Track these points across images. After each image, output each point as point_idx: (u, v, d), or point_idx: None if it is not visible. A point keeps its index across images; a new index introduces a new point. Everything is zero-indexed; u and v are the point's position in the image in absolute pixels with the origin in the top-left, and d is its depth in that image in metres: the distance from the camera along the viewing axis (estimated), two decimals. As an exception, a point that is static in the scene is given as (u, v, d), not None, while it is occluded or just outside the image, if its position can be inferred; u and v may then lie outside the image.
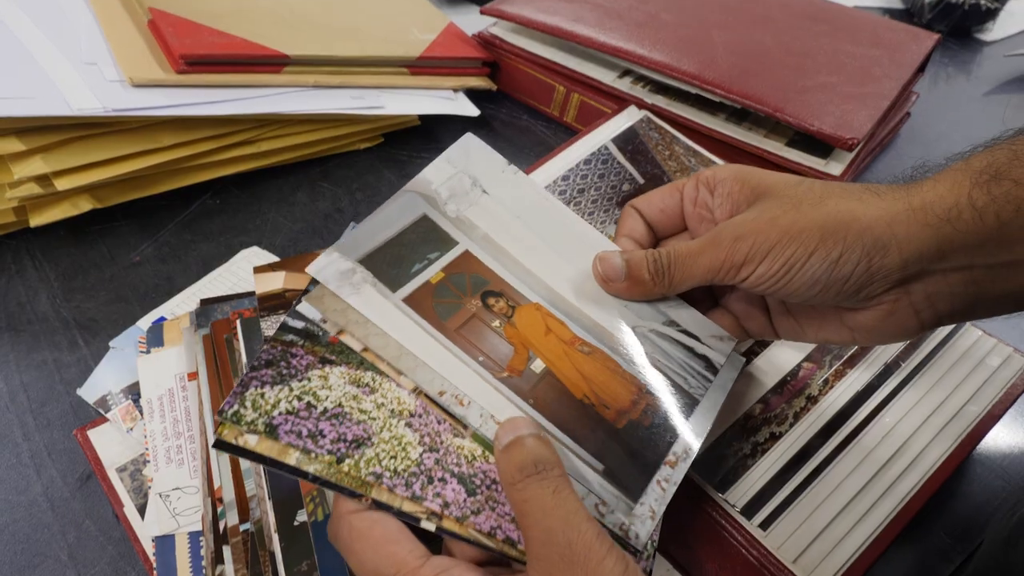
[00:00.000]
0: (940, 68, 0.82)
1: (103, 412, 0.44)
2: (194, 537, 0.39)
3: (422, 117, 0.64)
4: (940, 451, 0.42)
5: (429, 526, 0.31)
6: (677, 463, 0.34)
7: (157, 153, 0.51)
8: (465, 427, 0.34)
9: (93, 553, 0.39)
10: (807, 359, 0.45)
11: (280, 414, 0.32)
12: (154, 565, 0.38)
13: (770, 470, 0.41)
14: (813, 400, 0.43)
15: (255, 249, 0.53)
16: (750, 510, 0.39)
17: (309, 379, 0.33)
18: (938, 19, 0.82)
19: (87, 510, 0.41)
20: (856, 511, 0.40)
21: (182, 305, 0.49)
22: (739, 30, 0.64)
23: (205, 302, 0.46)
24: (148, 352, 0.45)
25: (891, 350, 0.46)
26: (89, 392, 0.45)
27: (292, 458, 0.31)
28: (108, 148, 0.49)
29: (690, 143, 0.56)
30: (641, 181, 0.53)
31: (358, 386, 0.34)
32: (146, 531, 0.39)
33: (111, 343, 0.47)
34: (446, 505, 0.31)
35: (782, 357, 0.45)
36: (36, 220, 0.49)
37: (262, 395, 0.32)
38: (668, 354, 0.38)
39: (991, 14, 0.83)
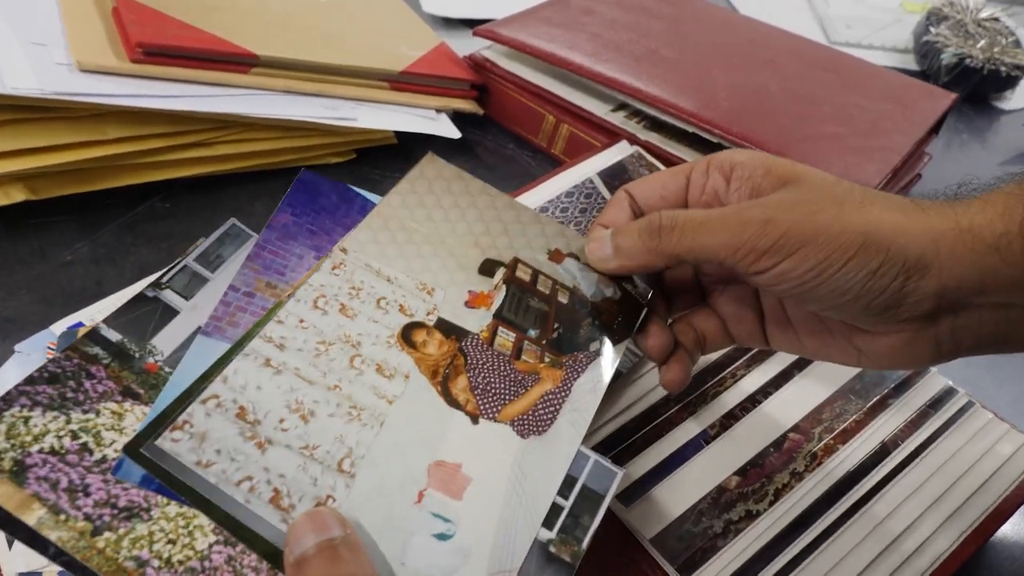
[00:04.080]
0: (955, 133, 0.78)
1: (-6, 424, 0.38)
2: (64, 578, 0.33)
3: (400, 136, 0.60)
4: (940, 548, 0.37)
5: None
6: None
7: (101, 145, 0.47)
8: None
9: (-52, 589, 0.34)
10: (793, 429, 0.40)
11: (40, 451, 0.25)
12: (11, 609, 0.32)
13: (743, 554, 0.35)
14: (798, 476, 0.38)
15: (197, 258, 0.49)
16: (716, 600, 0.34)
17: (98, 412, 0.27)
18: (955, 83, 0.79)
19: (-48, 537, 0.35)
20: (839, 612, 0.34)
21: (103, 311, 0.44)
22: (743, 72, 0.60)
23: (127, 310, 0.42)
24: (55, 360, 0.40)
25: (888, 428, 0.41)
26: (-16, 400, 0.40)
27: (33, 516, 0.24)
28: (46, 135, 0.45)
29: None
30: (625, 218, 0.49)
31: None
32: (11, 566, 0.34)
33: (16, 347, 0.42)
34: None
35: (766, 424, 0.40)
36: (-40, 207, 0.45)
37: (26, 421, 0.25)
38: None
39: (1011, 82, 0.80)
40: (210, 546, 0.25)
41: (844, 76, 0.63)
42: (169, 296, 0.31)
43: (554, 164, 0.61)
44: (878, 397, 0.42)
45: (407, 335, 0.31)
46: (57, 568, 0.33)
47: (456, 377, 0.30)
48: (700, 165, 0.34)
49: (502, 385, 0.31)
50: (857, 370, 0.43)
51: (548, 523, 0.28)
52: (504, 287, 0.33)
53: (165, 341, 0.29)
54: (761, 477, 0.38)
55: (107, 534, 0.24)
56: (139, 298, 0.30)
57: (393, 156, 0.60)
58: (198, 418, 0.26)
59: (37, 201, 0.47)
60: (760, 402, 0.41)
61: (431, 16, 0.77)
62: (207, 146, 0.51)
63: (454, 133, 0.59)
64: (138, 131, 0.47)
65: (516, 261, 0.34)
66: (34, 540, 0.24)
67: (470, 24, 0.69)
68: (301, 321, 0.29)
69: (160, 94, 0.47)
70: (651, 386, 0.41)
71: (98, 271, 0.48)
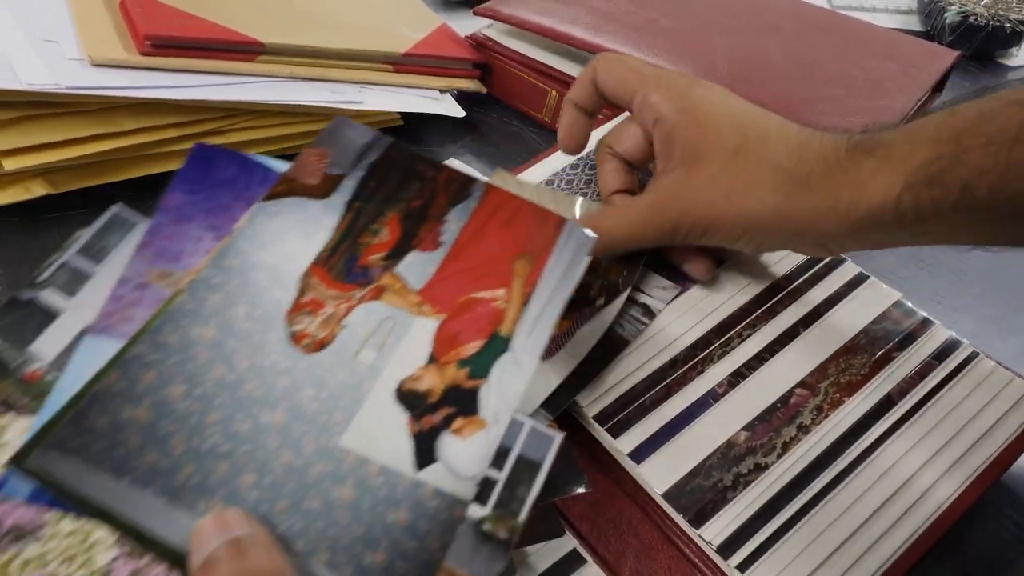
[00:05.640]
0: (960, 91, 0.78)
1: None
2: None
3: (406, 117, 0.61)
4: (947, 492, 0.37)
5: None
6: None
7: (116, 137, 0.48)
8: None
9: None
10: (800, 385, 0.41)
11: None
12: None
13: (753, 505, 0.36)
14: (804, 430, 0.39)
15: (214, 243, 0.50)
16: (728, 549, 0.35)
17: None
18: (959, 42, 0.79)
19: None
20: (849, 555, 0.35)
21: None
22: (744, 37, 0.61)
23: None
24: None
25: (893, 381, 0.41)
26: (18, 386, 0.41)
27: None
28: (63, 129, 0.46)
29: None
30: (629, 187, 0.50)
31: None
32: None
33: (46, 334, 0.43)
34: None
35: (772, 381, 0.41)
36: (-16, 202, 0.47)
37: None
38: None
39: (1016, 38, 0.79)
40: (111, 561, 0.23)
41: (846, 38, 0.63)
42: (48, 296, 0.28)
43: (558, 139, 0.62)
44: (883, 351, 0.42)
45: None
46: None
47: None
48: (640, 117, 0.41)
49: None
50: (861, 326, 0.44)
51: (481, 498, 0.27)
52: None
53: (48, 345, 0.26)
54: (769, 432, 0.39)
55: None
56: (11, 303, 0.27)
57: (401, 137, 0.61)
58: None
59: (56, 195, 0.49)
60: (767, 359, 0.42)
61: (432, -2, 0.77)
62: (219, 134, 0.52)
63: (458, 112, 0.60)
64: (151, 122, 0.49)
65: None
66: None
67: (470, 4, 0.70)
68: None
69: (170, 84, 0.48)
70: (658, 349, 0.42)
71: (119, 260, 0.49)
